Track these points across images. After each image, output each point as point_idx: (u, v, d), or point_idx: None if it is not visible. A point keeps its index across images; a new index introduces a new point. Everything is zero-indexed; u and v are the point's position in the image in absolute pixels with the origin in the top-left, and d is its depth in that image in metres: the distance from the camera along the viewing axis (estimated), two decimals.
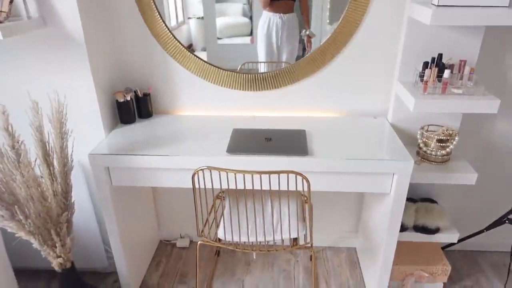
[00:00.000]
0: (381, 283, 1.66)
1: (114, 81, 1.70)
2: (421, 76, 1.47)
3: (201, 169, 1.31)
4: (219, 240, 1.48)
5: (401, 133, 1.70)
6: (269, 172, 1.25)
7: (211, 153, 1.42)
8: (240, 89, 1.74)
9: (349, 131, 1.60)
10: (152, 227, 2.08)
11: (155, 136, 1.59)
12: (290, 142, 1.48)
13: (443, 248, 2.02)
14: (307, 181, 1.29)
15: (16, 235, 1.27)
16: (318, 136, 1.55)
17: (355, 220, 2.07)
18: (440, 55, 1.45)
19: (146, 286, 1.89)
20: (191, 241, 2.17)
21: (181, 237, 2.18)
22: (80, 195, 1.65)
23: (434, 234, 1.65)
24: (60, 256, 1.38)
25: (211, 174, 1.34)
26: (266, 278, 1.92)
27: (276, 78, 1.71)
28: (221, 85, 1.74)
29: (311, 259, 2.04)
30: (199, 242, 1.49)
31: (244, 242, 1.47)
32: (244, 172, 1.26)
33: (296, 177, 1.30)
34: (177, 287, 1.87)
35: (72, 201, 1.41)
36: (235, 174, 1.27)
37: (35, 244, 1.31)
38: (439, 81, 1.44)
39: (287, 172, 1.25)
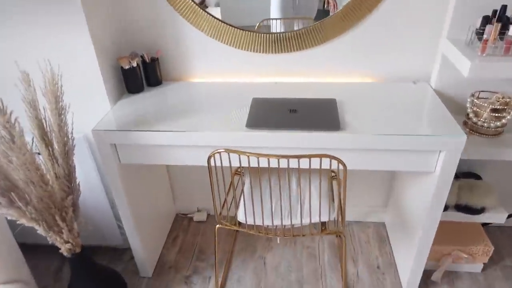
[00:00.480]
0: (417, 266, 1.52)
1: (118, 45, 1.50)
2: (480, 33, 1.22)
3: (217, 152, 1.14)
4: (239, 223, 1.34)
5: (446, 100, 1.48)
6: (298, 157, 1.07)
7: (228, 128, 1.24)
8: (259, 51, 1.52)
9: (386, 100, 1.39)
10: (167, 201, 1.97)
11: (165, 107, 1.41)
12: (319, 114, 1.29)
13: (483, 224, 1.85)
14: (344, 165, 1.11)
15: (18, 222, 1.16)
16: (350, 106, 1.35)
17: (385, 194, 1.90)
18: (504, 7, 1.19)
19: (163, 262, 1.80)
20: (208, 215, 2.06)
21: (198, 211, 2.07)
22: (87, 172, 1.52)
23: (479, 214, 1.47)
24: (68, 242, 1.28)
25: (229, 157, 1.18)
26: (288, 256, 1.80)
27: (301, 37, 1.48)
28: (238, 47, 1.52)
29: (337, 236, 1.91)
30: (217, 226, 1.36)
31: (267, 226, 1.33)
32: (268, 156, 1.09)
33: (330, 161, 1.12)
34: (195, 264, 1.79)
35: (77, 182, 1.28)
36: (258, 158, 1.10)
37: (40, 231, 1.20)
38: (501, 39, 1.19)
39: (320, 156, 1.08)
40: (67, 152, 1.20)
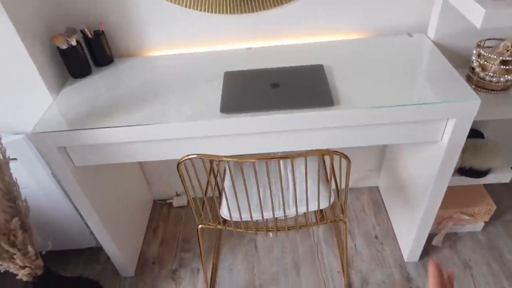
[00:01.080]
0: (420, 235, 1.41)
1: (49, 22, 1.20)
2: None
3: (188, 158, 0.94)
4: (224, 222, 1.17)
5: (446, 53, 1.29)
6: (292, 157, 0.88)
7: (199, 116, 1.02)
8: (226, 11, 1.26)
9: (380, 59, 1.18)
10: (141, 189, 1.77)
11: (120, 92, 1.16)
12: (305, 86, 1.07)
13: None
14: (348, 160, 0.93)
15: None
16: (341, 72, 1.14)
17: (378, 158, 1.76)
18: None
19: (145, 258, 1.65)
20: None
21: (177, 195, 1.88)
22: (38, 177, 1.29)
23: (484, 177, 1.35)
24: (25, 267, 1.08)
25: (203, 162, 0.97)
26: (281, 235, 1.68)
27: None
28: (200, 9, 1.25)
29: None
30: (199, 225, 1.18)
31: (257, 220, 1.17)
32: (253, 158, 0.90)
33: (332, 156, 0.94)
34: (180, 256, 1.64)
35: (23, 198, 1.05)
36: (239, 163, 0.91)
37: None
38: None
39: (321, 152, 0.89)
40: (0, 168, 0.96)
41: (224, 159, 0.93)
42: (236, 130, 1.02)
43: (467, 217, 1.53)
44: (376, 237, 1.64)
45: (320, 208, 1.13)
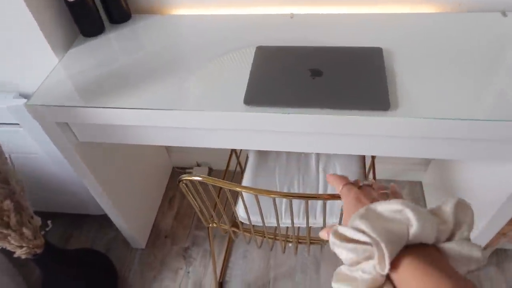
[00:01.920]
0: None
1: None
2: None
3: (189, 179, 0.77)
4: (240, 224, 1.02)
5: None
6: (324, 197, 0.71)
7: (218, 104, 0.83)
8: None
9: (459, 44, 0.91)
10: (159, 154, 1.65)
11: (136, 58, 0.99)
12: (355, 77, 0.84)
13: None
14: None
15: None
16: (404, 60, 0.89)
17: None
18: None
19: (159, 230, 1.57)
20: (210, 170, 1.75)
21: (197, 165, 1.76)
22: (44, 144, 1.17)
23: None
24: (22, 246, 1.00)
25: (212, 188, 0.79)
26: None
27: None
28: None
29: None
30: (209, 225, 1.04)
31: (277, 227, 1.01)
32: (273, 193, 0.73)
33: None
34: (194, 234, 1.54)
35: (18, 179, 0.94)
36: (255, 196, 0.75)
37: None
38: None
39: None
40: None
41: (237, 188, 0.76)
42: (262, 127, 0.83)
43: None
44: None
45: None
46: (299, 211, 1.01)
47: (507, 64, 0.85)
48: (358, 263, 0.38)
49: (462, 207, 0.40)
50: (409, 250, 0.37)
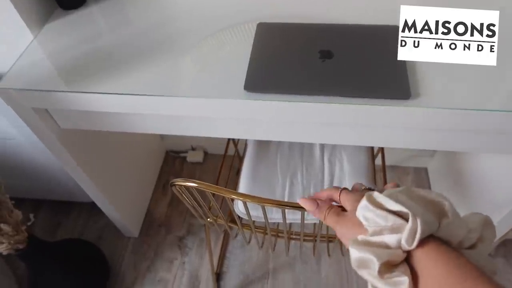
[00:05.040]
0: None
1: None
2: None
3: (183, 185, 0.68)
4: (239, 218, 0.94)
5: None
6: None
7: (216, 90, 0.73)
8: None
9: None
10: (152, 137, 1.56)
11: (123, 35, 0.87)
12: (370, 60, 0.75)
13: None
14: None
15: None
16: None
17: None
18: None
19: (152, 218, 1.49)
20: (205, 154, 1.66)
21: (192, 149, 1.67)
22: (22, 128, 1.06)
23: None
24: (2, 242, 0.92)
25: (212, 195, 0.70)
26: None
27: None
28: None
29: None
30: (207, 219, 0.96)
31: (278, 224, 0.94)
32: (269, 202, 0.64)
33: None
34: (190, 222, 1.47)
35: None
36: (262, 205, 0.64)
37: None
38: None
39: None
40: None
41: (233, 196, 0.68)
42: (265, 116, 0.74)
43: None
44: None
45: None
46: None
47: None
48: (381, 233, 0.38)
49: (489, 224, 0.40)
50: (435, 238, 0.37)
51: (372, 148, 1.04)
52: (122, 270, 1.35)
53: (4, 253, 0.96)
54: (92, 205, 1.42)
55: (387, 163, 1.58)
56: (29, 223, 0.99)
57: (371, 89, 0.69)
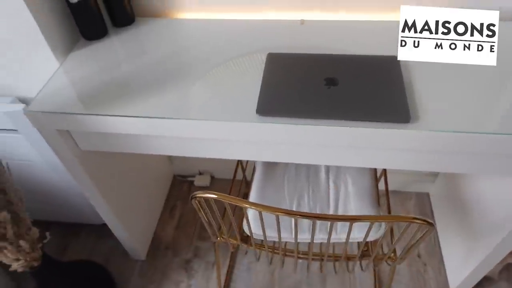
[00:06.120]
0: (479, 270, 1.18)
1: None
2: None
3: (203, 196, 0.73)
4: (246, 238, 0.97)
5: None
6: (337, 218, 0.71)
7: (229, 114, 0.79)
8: None
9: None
10: (161, 161, 1.61)
11: (141, 63, 0.95)
12: (372, 87, 0.81)
13: None
14: (431, 225, 0.70)
15: None
16: (423, 70, 0.85)
17: None
18: None
19: (159, 241, 1.52)
20: (212, 178, 1.71)
21: (199, 174, 1.71)
22: (42, 150, 1.12)
23: None
24: (19, 259, 0.95)
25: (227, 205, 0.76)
26: None
27: None
28: None
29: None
30: (217, 239, 1.00)
31: (286, 243, 0.97)
32: (280, 211, 0.69)
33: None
34: (196, 245, 1.49)
35: (17, 189, 0.90)
36: (276, 215, 0.71)
37: None
38: None
39: (396, 219, 0.66)
40: None
41: (245, 205, 0.72)
42: (276, 138, 0.79)
43: None
44: (419, 256, 1.42)
45: (368, 239, 0.90)
46: (310, 226, 0.97)
47: None
48: None
49: None
50: None
51: (375, 171, 1.09)
52: None
53: (20, 270, 0.99)
54: (100, 228, 1.46)
55: (390, 188, 1.61)
56: (45, 241, 1.02)
57: (373, 114, 0.75)
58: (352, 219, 0.74)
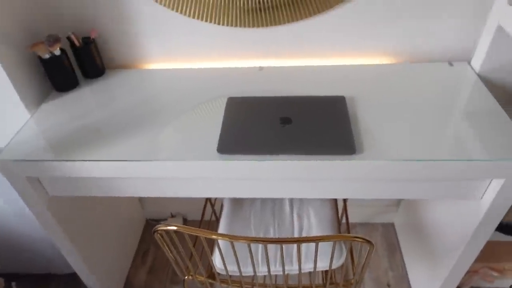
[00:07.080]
0: None
1: (30, 26, 1.04)
2: None
3: (164, 229, 0.78)
4: (216, 274, 1.00)
5: (493, 88, 1.09)
6: (300, 240, 0.73)
7: (192, 153, 0.85)
8: (236, 24, 1.08)
9: (413, 92, 0.99)
10: (132, 205, 1.62)
11: (110, 111, 1.00)
12: (322, 125, 0.90)
13: None
14: (372, 245, 0.77)
15: None
16: (365, 107, 0.95)
17: None
18: None
19: (131, 287, 1.49)
20: (185, 220, 1.72)
21: (172, 216, 1.73)
22: (8, 198, 1.14)
23: None
24: None
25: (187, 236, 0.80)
26: None
27: (293, 4, 1.04)
28: (206, 19, 1.08)
29: None
30: (186, 277, 1.02)
31: (255, 276, 1.00)
32: (248, 239, 0.75)
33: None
34: None
35: None
36: (231, 242, 0.76)
37: None
38: None
39: (339, 238, 0.72)
40: None
41: (213, 236, 0.77)
42: (235, 174, 0.85)
43: (495, 274, 1.33)
44: (388, 285, 1.46)
45: (332, 267, 0.95)
46: (276, 258, 1.01)
47: (459, 108, 0.93)
48: None
49: None
50: None
51: (335, 202, 1.15)
52: None
53: None
54: (69, 277, 1.43)
55: (356, 220, 1.69)
56: None
57: (323, 148, 0.83)
58: (304, 241, 0.78)
